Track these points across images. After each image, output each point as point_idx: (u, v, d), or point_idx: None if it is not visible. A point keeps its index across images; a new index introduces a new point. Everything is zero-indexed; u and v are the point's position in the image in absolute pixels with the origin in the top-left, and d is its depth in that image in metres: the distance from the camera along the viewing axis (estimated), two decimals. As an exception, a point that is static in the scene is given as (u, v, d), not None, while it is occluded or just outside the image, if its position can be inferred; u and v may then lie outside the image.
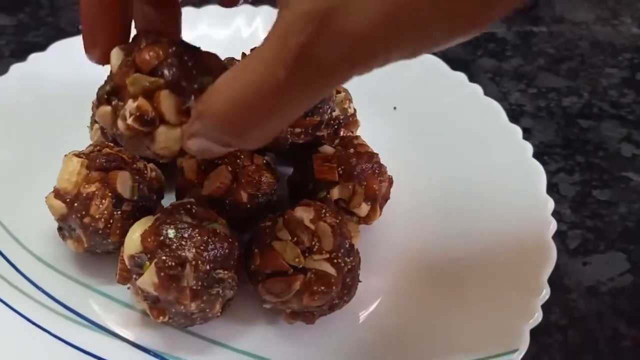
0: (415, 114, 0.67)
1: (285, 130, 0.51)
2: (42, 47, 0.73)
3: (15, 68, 0.65)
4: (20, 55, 0.76)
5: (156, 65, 0.39)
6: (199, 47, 0.43)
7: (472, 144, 0.62)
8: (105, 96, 0.41)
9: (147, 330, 0.49)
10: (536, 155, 0.66)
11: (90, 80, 0.65)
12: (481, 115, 0.64)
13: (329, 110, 0.53)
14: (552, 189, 0.65)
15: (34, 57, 0.67)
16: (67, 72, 0.67)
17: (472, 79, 0.73)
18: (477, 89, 0.66)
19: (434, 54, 0.71)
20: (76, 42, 0.67)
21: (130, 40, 0.42)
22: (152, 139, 0.40)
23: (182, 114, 0.39)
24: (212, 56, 0.43)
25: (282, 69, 0.28)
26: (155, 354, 0.48)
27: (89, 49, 0.42)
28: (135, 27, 0.44)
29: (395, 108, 0.68)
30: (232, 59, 0.58)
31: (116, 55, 0.41)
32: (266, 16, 0.75)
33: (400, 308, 0.51)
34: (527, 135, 0.70)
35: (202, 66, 0.41)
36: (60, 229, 0.51)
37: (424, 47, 0.28)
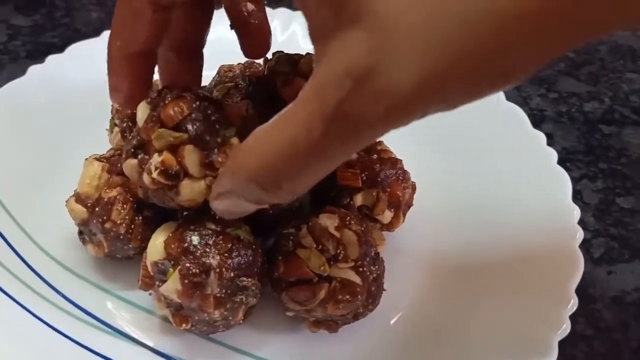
0: (437, 119, 0.66)
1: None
2: (58, 48, 0.73)
3: (33, 70, 0.65)
4: (37, 56, 0.76)
5: (180, 121, 0.41)
6: (220, 99, 0.43)
7: (495, 150, 0.61)
8: (132, 150, 0.43)
9: (168, 337, 0.49)
10: (559, 162, 0.65)
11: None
12: (504, 121, 0.63)
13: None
14: (575, 196, 0.64)
15: (51, 59, 0.67)
16: (85, 74, 0.66)
17: (492, 83, 0.73)
18: (499, 93, 0.65)
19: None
20: (94, 44, 0.68)
21: (156, 93, 0.44)
22: (177, 192, 0.42)
23: (205, 167, 0.41)
24: (233, 107, 0.44)
25: (318, 125, 0.27)
26: (176, 361, 0.48)
27: (113, 93, 0.43)
28: (159, 77, 0.46)
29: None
30: (252, 62, 0.58)
31: (142, 109, 0.43)
32: (282, 16, 0.75)
33: (424, 318, 0.50)
34: (550, 141, 0.69)
35: (224, 119, 0.42)
36: (80, 233, 0.51)
37: (468, 101, 0.27)
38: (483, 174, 0.60)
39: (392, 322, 0.50)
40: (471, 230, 0.56)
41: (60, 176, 0.56)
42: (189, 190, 0.42)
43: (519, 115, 0.63)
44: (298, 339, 0.49)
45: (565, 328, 0.46)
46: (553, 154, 0.59)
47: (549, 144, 0.67)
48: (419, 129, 0.64)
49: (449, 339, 0.48)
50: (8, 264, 0.51)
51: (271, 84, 0.50)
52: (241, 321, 0.47)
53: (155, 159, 0.42)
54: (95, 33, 0.74)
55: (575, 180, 0.66)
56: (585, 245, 0.59)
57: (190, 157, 0.41)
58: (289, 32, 0.76)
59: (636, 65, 0.83)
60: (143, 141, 0.43)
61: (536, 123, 0.72)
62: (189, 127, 0.41)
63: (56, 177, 0.57)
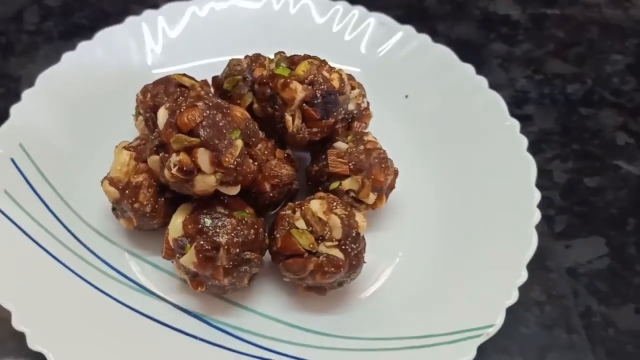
0: (425, 102, 0.74)
1: (303, 130, 0.58)
2: (87, 29, 0.81)
3: (67, 57, 0.73)
4: (68, 37, 0.84)
5: (194, 127, 0.50)
6: (229, 104, 0.53)
7: (473, 135, 0.69)
8: (155, 148, 0.53)
9: (187, 295, 0.59)
10: (535, 143, 0.73)
11: (135, 67, 0.75)
12: (484, 108, 0.70)
13: (342, 112, 0.61)
14: (546, 175, 0.72)
15: (82, 46, 0.74)
16: (113, 60, 0.75)
17: (482, 64, 0.80)
18: (483, 81, 0.72)
19: (447, 42, 0.77)
20: (119, 31, 0.76)
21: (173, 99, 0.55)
22: (192, 184, 0.51)
23: (215, 165, 0.51)
24: (239, 110, 0.53)
25: None
26: (195, 315, 0.58)
27: None
28: None
29: (407, 96, 0.75)
30: (258, 56, 0.66)
31: (162, 115, 0.52)
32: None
33: (401, 285, 0.60)
34: (529, 122, 0.77)
35: (230, 124, 0.51)
36: (114, 209, 0.61)
37: None
38: (461, 158, 0.68)
39: (372, 289, 0.60)
40: (446, 209, 0.65)
41: (96, 155, 0.66)
42: (202, 184, 0.52)
43: (499, 103, 0.70)
44: (294, 299, 0.60)
45: (514, 296, 0.55)
46: (524, 141, 0.66)
47: (528, 125, 0.75)
48: (407, 110, 0.73)
49: (417, 304, 0.58)
50: (54, 232, 0.61)
51: (272, 85, 0.58)
52: (247, 285, 0.57)
53: (174, 158, 0.51)
54: (121, 14, 0.82)
55: (547, 161, 0.74)
56: (548, 222, 0.68)
57: (203, 157, 0.51)
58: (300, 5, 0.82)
59: (622, 45, 0.88)
60: (163, 142, 0.52)
61: (519, 105, 0.80)
62: (201, 132, 0.50)
63: (93, 157, 0.66)
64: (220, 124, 0.51)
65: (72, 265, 0.60)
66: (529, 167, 0.64)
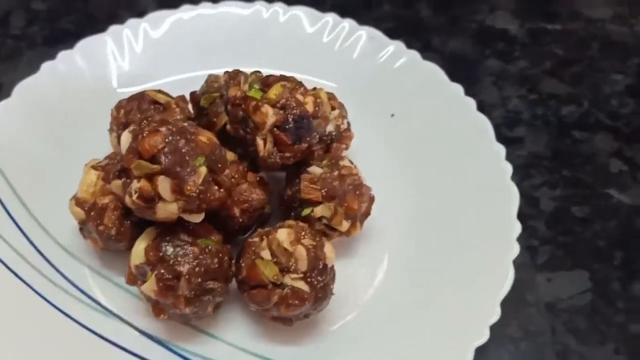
0: (411, 122, 0.72)
1: (275, 154, 0.56)
2: (73, 35, 0.80)
3: (46, 66, 0.72)
4: (52, 43, 0.83)
5: (155, 153, 0.48)
6: (196, 128, 0.51)
7: (457, 159, 0.67)
8: (117, 173, 0.51)
9: (152, 320, 0.58)
10: (523, 167, 0.70)
11: (115, 79, 0.74)
12: (471, 131, 0.68)
13: (317, 136, 0.59)
14: (532, 202, 0.69)
15: (62, 55, 0.73)
16: (94, 71, 0.74)
17: (475, 82, 0.77)
18: (471, 103, 0.70)
19: (441, 57, 0.75)
20: (101, 39, 0.74)
21: (138, 121, 0.52)
22: (154, 211, 0.50)
23: (176, 193, 0.49)
24: (206, 135, 0.51)
25: None
26: (158, 342, 0.57)
27: None
28: None
29: (392, 115, 0.73)
30: (237, 72, 0.64)
31: (125, 138, 0.51)
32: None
33: (371, 318, 0.58)
34: (518, 145, 0.75)
35: (193, 150, 0.50)
36: (81, 229, 0.60)
37: None
38: (441, 185, 0.66)
39: (341, 321, 0.58)
40: (421, 238, 0.63)
41: (72, 171, 0.63)
42: (164, 211, 0.50)
43: (486, 127, 0.67)
44: (262, 328, 0.58)
45: (485, 335, 0.53)
46: (508, 169, 0.64)
47: (518, 148, 0.73)
48: (392, 129, 0.71)
49: (387, 338, 0.56)
50: (17, 246, 0.60)
51: (244, 107, 0.57)
52: (211, 313, 0.55)
53: (135, 184, 0.50)
54: (108, 19, 0.80)
55: (535, 187, 0.71)
56: (531, 252, 0.65)
57: (163, 185, 0.49)
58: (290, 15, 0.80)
59: (624, 65, 0.85)
60: (125, 168, 0.50)
61: (510, 126, 0.77)
62: (162, 159, 0.49)
63: (68, 172, 0.64)
64: (184, 150, 0.49)
65: (32, 281, 0.58)
66: (512, 197, 0.62)
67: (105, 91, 0.73)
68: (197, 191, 0.50)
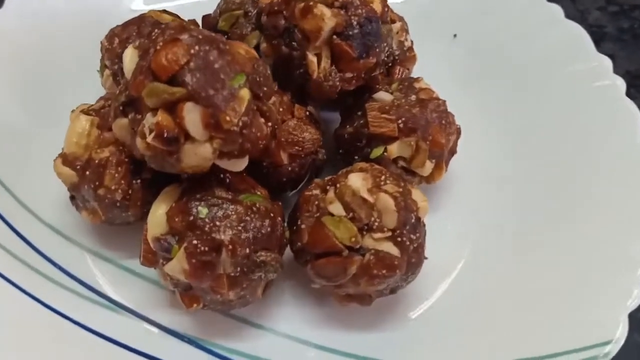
0: (479, 43, 0.57)
1: (333, 75, 0.41)
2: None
3: (10, 2, 0.55)
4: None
5: (176, 72, 0.34)
6: (226, 38, 0.37)
7: (552, 80, 0.53)
8: (121, 107, 0.36)
9: (178, 313, 0.43)
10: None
11: (101, 8, 0.57)
12: (561, 43, 0.53)
13: (387, 49, 0.44)
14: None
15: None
16: (72, 3, 0.57)
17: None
18: (556, 9, 0.55)
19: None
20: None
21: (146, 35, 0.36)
22: (178, 158, 0.35)
23: (210, 128, 0.34)
24: (243, 47, 0.37)
25: None
26: (190, 341, 0.42)
27: None
28: None
29: (455, 36, 0.58)
30: None
31: (130, 56, 0.36)
32: None
33: (466, 296, 0.44)
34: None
35: (230, 65, 0.35)
36: (72, 198, 0.44)
37: None
38: (538, 112, 0.51)
39: (436, 294, 0.43)
40: (525, 180, 0.48)
41: (52, 131, 0.48)
42: (192, 156, 0.35)
43: (580, 35, 0.53)
44: (324, 313, 0.44)
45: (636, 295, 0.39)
46: (621, 84, 0.49)
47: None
48: (457, 53, 0.56)
49: (495, 321, 0.42)
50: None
51: (287, 13, 0.41)
52: (260, 297, 0.41)
53: (149, 119, 0.35)
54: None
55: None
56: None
57: (192, 116, 0.34)
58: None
59: None
60: (133, 98, 0.35)
61: (595, 42, 0.62)
62: (188, 79, 0.34)
63: (47, 133, 0.49)
64: (216, 65, 0.34)
65: (14, 276, 0.43)
66: (633, 117, 0.47)
67: (90, 23, 0.56)
68: (240, 124, 0.34)
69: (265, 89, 0.37)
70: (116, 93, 0.38)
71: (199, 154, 0.35)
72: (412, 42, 0.51)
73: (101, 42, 0.49)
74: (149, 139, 0.35)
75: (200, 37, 0.35)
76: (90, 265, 0.45)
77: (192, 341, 0.42)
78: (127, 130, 0.36)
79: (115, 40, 0.48)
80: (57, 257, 0.45)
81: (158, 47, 0.34)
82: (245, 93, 0.35)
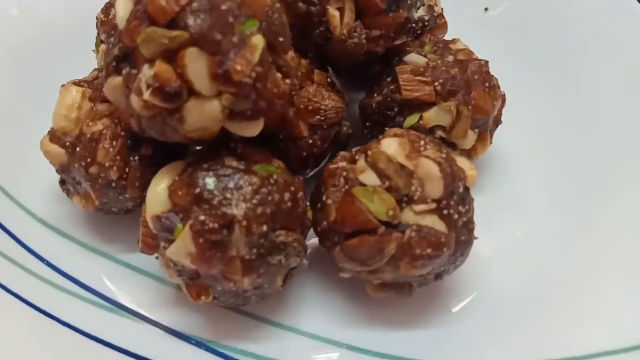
0: (515, 16, 0.52)
1: (359, 31, 0.36)
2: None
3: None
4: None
5: (177, 13, 0.29)
6: None
7: (596, 46, 0.47)
8: (114, 63, 0.32)
9: (184, 311, 0.38)
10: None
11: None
12: (610, 13, 0.48)
13: (418, 4, 0.38)
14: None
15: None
16: None
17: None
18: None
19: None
20: None
21: None
22: (180, 117, 0.31)
23: (218, 80, 0.30)
24: None
25: None
26: (197, 343, 0.36)
27: None
28: None
29: (486, 9, 0.53)
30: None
31: (123, 3, 0.32)
32: None
33: (517, 287, 0.38)
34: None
35: (241, 9, 0.31)
36: (62, 182, 0.39)
37: None
38: (591, 80, 0.46)
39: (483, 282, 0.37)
40: (577, 158, 0.43)
41: (41, 115, 0.43)
42: (198, 114, 0.31)
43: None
44: (355, 308, 0.38)
45: None
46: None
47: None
48: (489, 27, 0.51)
49: (552, 315, 0.36)
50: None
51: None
52: (280, 288, 0.34)
53: (146, 72, 0.30)
54: None
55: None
56: None
57: (195, 65, 0.30)
58: None
59: None
60: (127, 49, 0.31)
61: None
62: (190, 21, 0.29)
63: (37, 116, 0.44)
64: (223, 7, 0.29)
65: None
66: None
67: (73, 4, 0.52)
68: (253, 76, 0.29)
69: (281, 39, 0.32)
70: (107, 50, 0.33)
71: (205, 112, 0.30)
72: (442, 9, 0.46)
73: (96, 17, 0.45)
74: (146, 95, 0.29)
75: None
76: (85, 261, 0.40)
77: (200, 343, 0.38)
78: (121, 90, 0.31)
79: (112, 12, 0.43)
80: (46, 253, 0.40)
81: None
82: (258, 40, 0.30)
